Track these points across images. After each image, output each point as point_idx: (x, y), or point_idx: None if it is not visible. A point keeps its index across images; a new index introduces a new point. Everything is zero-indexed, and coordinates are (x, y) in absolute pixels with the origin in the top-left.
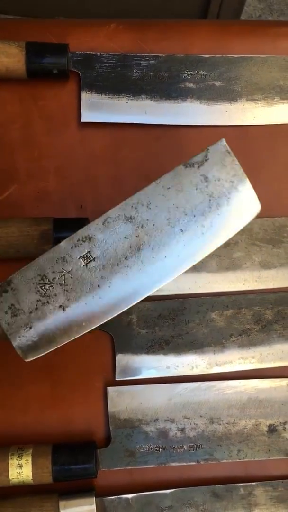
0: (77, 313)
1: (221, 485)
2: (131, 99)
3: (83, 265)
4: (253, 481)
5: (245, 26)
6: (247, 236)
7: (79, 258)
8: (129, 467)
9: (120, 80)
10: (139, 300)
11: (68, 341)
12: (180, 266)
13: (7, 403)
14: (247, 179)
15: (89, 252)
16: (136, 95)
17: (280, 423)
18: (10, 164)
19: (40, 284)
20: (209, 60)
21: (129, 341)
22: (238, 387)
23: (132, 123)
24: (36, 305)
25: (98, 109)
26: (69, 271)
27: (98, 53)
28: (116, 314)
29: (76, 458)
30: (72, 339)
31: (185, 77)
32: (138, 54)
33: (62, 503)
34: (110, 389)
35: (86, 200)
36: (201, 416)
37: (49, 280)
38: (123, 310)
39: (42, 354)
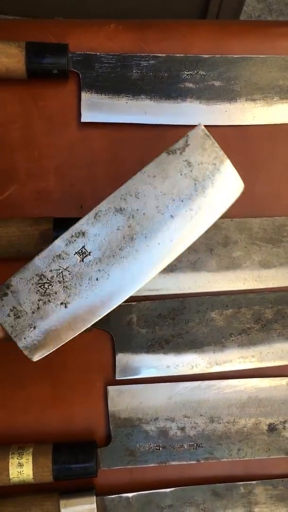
0: (79, 308)
1: (221, 484)
2: (131, 99)
3: (80, 261)
4: (253, 480)
5: (244, 26)
6: (247, 236)
7: (74, 254)
8: (130, 466)
9: (120, 80)
10: (138, 288)
11: (73, 337)
12: (173, 251)
13: (8, 402)
14: (228, 160)
15: (84, 247)
16: (136, 95)
17: (280, 422)
18: (10, 164)
19: (39, 283)
20: (208, 60)
21: (129, 341)
22: (238, 386)
23: (132, 123)
24: (38, 305)
25: (98, 109)
26: (66, 268)
27: (98, 53)
28: (118, 304)
29: (76, 457)
30: (77, 334)
31: (185, 77)
32: (138, 54)
33: (62, 502)
34: (111, 388)
35: (86, 200)
36: (201, 415)
37: (47, 279)
38: (124, 300)
39: (48, 353)
